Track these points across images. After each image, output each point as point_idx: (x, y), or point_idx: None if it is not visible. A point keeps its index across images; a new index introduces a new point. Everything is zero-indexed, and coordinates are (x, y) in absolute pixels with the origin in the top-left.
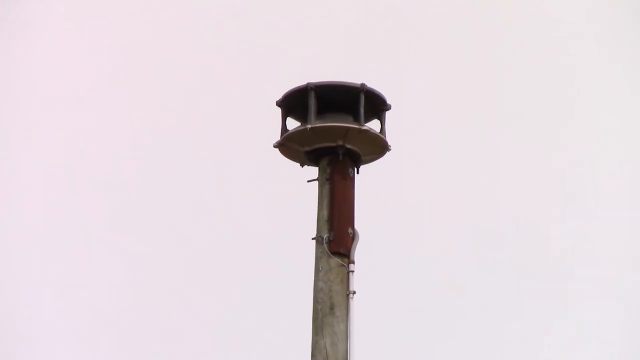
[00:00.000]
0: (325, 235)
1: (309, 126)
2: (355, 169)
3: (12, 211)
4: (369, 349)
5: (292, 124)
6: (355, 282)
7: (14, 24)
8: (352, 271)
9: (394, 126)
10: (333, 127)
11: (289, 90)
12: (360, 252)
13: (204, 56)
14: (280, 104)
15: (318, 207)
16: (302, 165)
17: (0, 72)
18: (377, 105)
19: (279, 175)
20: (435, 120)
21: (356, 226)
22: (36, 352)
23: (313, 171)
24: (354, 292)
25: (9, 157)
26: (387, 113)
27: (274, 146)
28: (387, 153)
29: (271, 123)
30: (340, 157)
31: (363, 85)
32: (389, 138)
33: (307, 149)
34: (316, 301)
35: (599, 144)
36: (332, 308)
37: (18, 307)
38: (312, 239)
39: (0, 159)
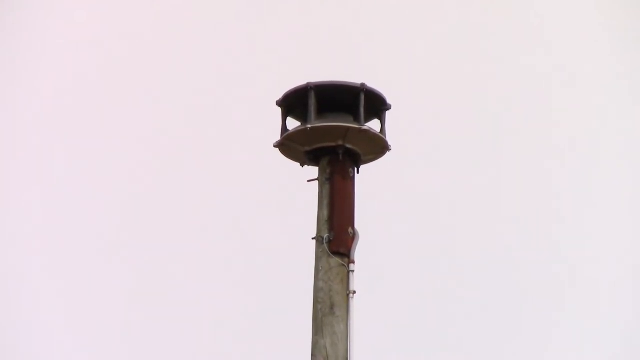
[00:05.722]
0: (326, 235)
1: (309, 126)
2: (356, 169)
3: (13, 211)
4: (369, 349)
5: (292, 123)
6: (355, 282)
7: (15, 20)
8: (352, 271)
9: (394, 126)
10: (333, 127)
11: (289, 90)
12: (360, 252)
13: (204, 56)
14: (280, 103)
15: (318, 207)
16: (302, 165)
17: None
18: (377, 105)
19: (279, 175)
20: (435, 120)
21: (356, 226)
22: (36, 353)
23: (313, 171)
24: (354, 292)
25: (10, 156)
26: (387, 113)
27: (274, 146)
28: (387, 153)
29: (271, 123)
30: (341, 157)
31: (363, 85)
32: (389, 138)
33: (307, 148)
34: (316, 301)
35: (599, 144)
36: (332, 308)
37: (18, 308)
38: (312, 238)
39: (0, 158)
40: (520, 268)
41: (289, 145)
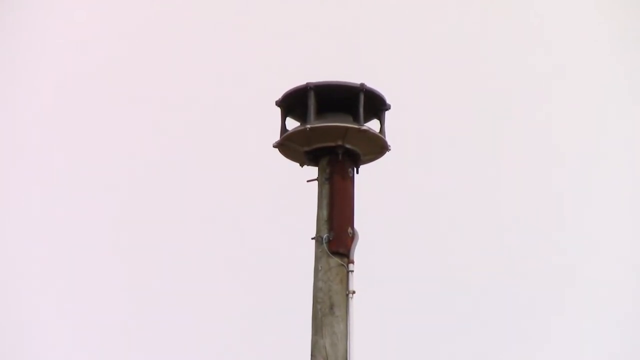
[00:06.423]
0: (325, 235)
1: (309, 126)
2: (355, 169)
3: (13, 211)
4: (368, 349)
5: (292, 123)
6: (355, 282)
7: (15, 20)
8: (352, 271)
9: (394, 126)
10: (332, 127)
11: (289, 90)
12: (359, 252)
13: (204, 56)
14: (279, 103)
15: (318, 207)
16: (301, 165)
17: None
18: (376, 105)
19: (279, 175)
20: (435, 120)
21: (356, 226)
22: (36, 353)
23: (313, 171)
24: (354, 292)
25: (10, 156)
26: (387, 113)
27: (274, 146)
28: (387, 153)
29: (271, 123)
30: (340, 157)
31: (362, 85)
32: (389, 138)
33: (306, 148)
34: (316, 301)
35: (599, 144)
36: (331, 308)
37: (18, 308)
38: (312, 238)
39: (1, 158)
40: (520, 268)
41: (288, 146)
